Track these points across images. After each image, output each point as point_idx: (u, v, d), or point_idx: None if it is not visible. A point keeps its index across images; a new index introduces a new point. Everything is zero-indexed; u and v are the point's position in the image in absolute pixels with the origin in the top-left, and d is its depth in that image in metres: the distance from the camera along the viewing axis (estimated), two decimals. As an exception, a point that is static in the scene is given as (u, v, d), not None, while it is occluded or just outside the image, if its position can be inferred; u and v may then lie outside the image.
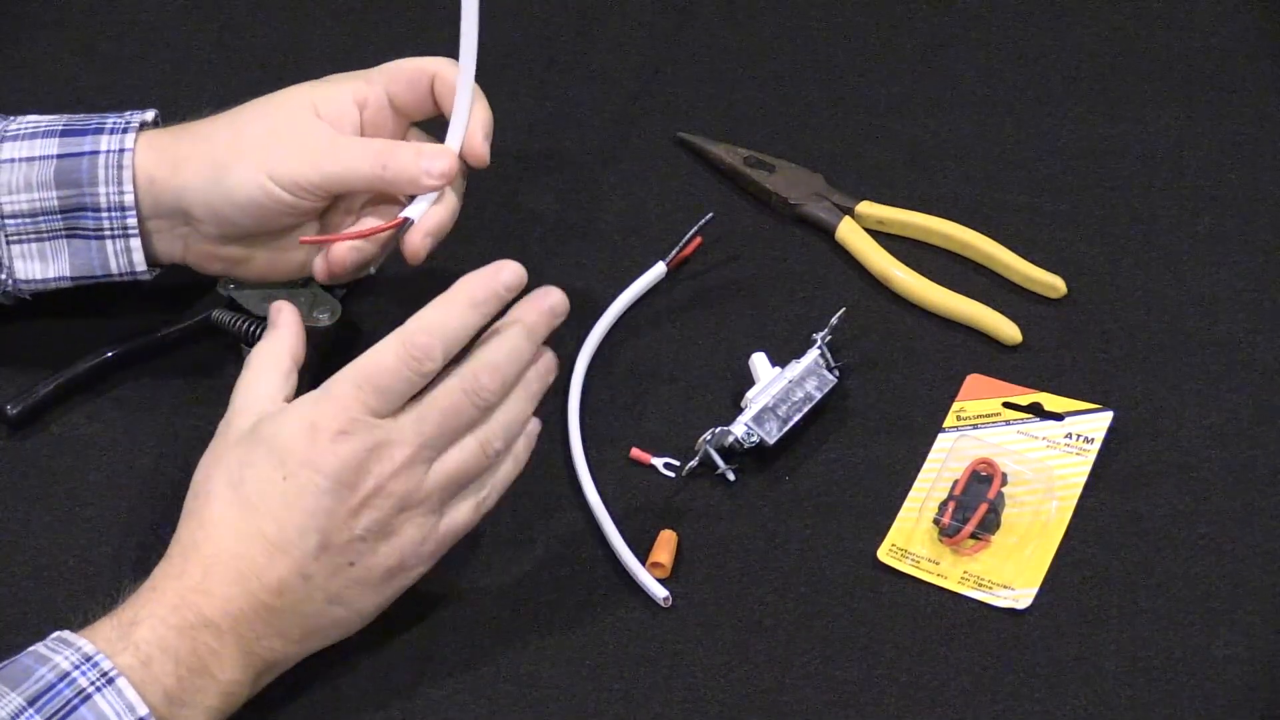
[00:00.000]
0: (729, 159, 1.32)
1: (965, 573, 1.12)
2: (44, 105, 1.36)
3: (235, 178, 1.12)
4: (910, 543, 1.13)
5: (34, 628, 1.09)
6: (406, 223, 1.14)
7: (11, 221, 1.14)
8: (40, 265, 1.15)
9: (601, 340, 1.23)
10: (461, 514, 1.07)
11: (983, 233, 1.27)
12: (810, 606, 1.11)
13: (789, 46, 1.41)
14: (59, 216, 1.14)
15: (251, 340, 1.19)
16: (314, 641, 1.04)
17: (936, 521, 1.14)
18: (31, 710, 0.95)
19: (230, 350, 1.21)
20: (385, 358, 1.03)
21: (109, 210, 1.13)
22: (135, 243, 1.14)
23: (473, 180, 1.18)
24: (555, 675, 1.08)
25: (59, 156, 1.13)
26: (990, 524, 1.13)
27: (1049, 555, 1.12)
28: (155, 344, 1.21)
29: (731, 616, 1.10)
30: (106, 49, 1.41)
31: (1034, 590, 1.11)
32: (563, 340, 1.22)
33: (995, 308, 1.23)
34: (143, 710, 0.96)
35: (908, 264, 1.26)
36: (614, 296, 1.25)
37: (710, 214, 1.27)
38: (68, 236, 1.14)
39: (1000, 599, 1.11)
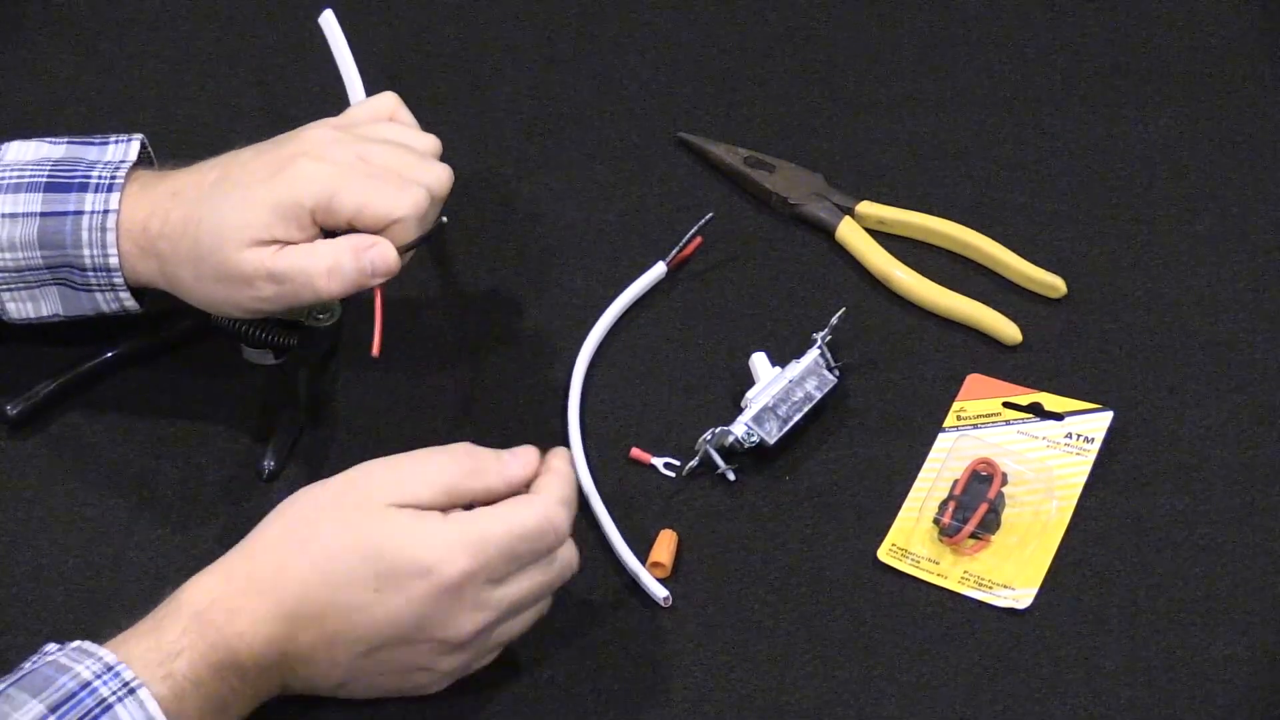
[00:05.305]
0: (729, 159, 1.32)
1: (965, 572, 1.12)
2: (44, 105, 1.37)
3: (213, 299, 1.12)
4: (910, 542, 1.13)
5: (34, 628, 1.09)
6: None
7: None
8: (32, 306, 1.15)
9: (601, 340, 1.23)
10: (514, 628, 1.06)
11: (983, 233, 1.27)
12: (810, 606, 1.11)
13: (789, 46, 1.41)
14: (45, 271, 1.13)
15: (251, 340, 1.19)
16: (301, 690, 1.04)
17: (936, 521, 1.14)
18: (52, 718, 0.94)
19: (230, 350, 1.21)
20: (529, 521, 1.02)
21: (95, 270, 1.13)
22: (124, 293, 1.14)
23: (473, 181, 1.18)
24: (555, 675, 1.08)
25: (42, 215, 1.12)
26: (990, 524, 1.13)
27: (1049, 555, 1.12)
28: (155, 344, 1.21)
29: (731, 616, 1.10)
30: (106, 49, 1.41)
31: (1034, 590, 1.11)
32: (563, 340, 1.23)
33: (995, 308, 1.23)
34: None
35: (908, 264, 1.26)
36: (614, 296, 1.25)
37: (710, 214, 1.27)
38: (56, 284, 1.14)
39: (1000, 599, 1.11)
